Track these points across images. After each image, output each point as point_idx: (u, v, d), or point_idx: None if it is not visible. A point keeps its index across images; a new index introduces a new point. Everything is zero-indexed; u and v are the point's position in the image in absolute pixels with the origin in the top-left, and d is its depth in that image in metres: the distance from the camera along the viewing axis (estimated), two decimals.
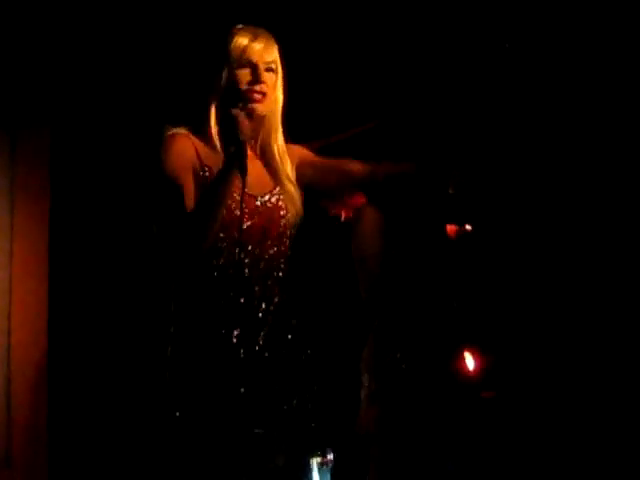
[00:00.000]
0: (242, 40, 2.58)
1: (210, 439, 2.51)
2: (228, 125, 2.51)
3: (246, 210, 2.56)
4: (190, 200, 2.49)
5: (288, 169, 2.67)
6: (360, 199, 3.20)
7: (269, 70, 2.60)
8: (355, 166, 2.72)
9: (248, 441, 2.54)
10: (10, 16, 4.07)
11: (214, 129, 2.59)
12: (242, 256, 2.57)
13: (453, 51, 4.02)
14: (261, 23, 2.67)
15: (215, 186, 2.49)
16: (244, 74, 2.57)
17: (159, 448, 2.61)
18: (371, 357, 3.63)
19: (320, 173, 2.72)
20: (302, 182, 2.70)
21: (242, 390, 2.53)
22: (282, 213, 2.66)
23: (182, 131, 2.59)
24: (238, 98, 2.55)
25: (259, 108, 2.58)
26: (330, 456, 3.56)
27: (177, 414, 2.51)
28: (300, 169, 2.72)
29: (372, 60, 4.13)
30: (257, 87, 2.57)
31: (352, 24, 4.08)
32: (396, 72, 4.10)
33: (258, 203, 2.62)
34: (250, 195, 2.58)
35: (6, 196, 4.26)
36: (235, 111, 2.50)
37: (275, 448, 2.57)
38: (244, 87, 2.57)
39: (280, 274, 2.63)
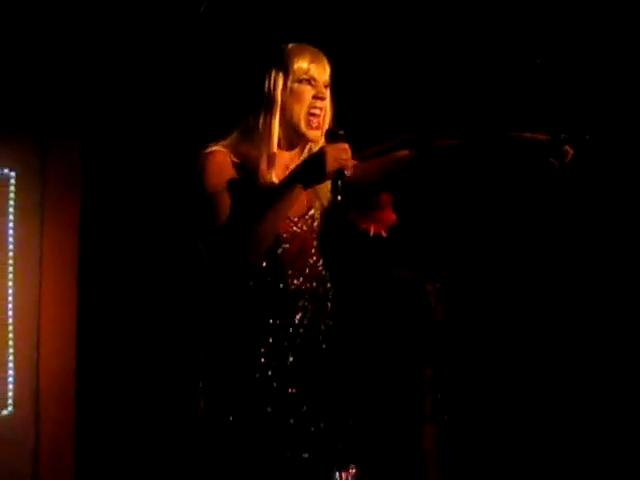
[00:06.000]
0: (304, 57, 2.58)
1: (235, 454, 2.52)
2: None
3: (284, 235, 2.57)
4: (224, 216, 2.46)
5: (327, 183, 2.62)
6: (390, 215, 3.10)
7: (326, 87, 2.61)
8: (400, 152, 2.68)
9: (274, 460, 2.54)
10: (42, 27, 4.08)
11: (274, 141, 2.57)
12: (274, 276, 2.57)
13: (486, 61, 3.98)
14: (289, 36, 2.67)
15: (271, 205, 2.45)
16: (307, 90, 2.57)
17: (187, 459, 2.61)
18: (433, 376, 3.63)
19: (360, 171, 2.65)
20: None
21: (269, 409, 2.54)
22: (316, 230, 2.67)
23: (220, 148, 2.57)
24: (296, 115, 2.56)
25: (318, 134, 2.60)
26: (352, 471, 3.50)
27: (212, 423, 2.54)
28: None
29: (404, 71, 4.09)
30: (319, 104, 2.58)
31: (383, 35, 4.05)
32: (430, 81, 4.06)
33: (294, 225, 2.61)
34: (286, 218, 2.57)
35: (36, 207, 4.25)
36: (323, 145, 2.50)
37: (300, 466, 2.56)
38: (307, 104, 2.57)
39: (311, 294, 2.63)
